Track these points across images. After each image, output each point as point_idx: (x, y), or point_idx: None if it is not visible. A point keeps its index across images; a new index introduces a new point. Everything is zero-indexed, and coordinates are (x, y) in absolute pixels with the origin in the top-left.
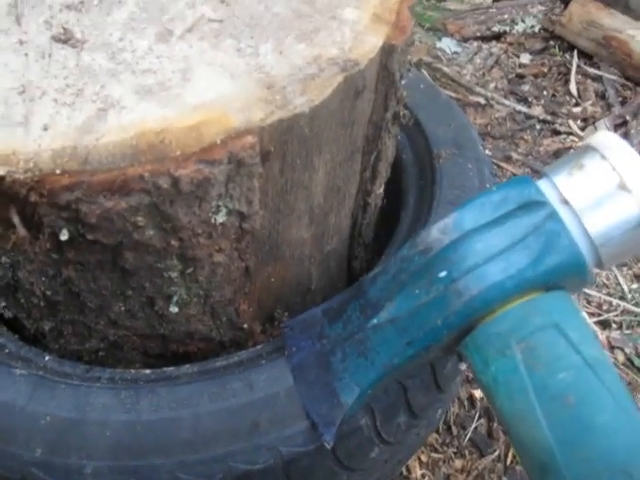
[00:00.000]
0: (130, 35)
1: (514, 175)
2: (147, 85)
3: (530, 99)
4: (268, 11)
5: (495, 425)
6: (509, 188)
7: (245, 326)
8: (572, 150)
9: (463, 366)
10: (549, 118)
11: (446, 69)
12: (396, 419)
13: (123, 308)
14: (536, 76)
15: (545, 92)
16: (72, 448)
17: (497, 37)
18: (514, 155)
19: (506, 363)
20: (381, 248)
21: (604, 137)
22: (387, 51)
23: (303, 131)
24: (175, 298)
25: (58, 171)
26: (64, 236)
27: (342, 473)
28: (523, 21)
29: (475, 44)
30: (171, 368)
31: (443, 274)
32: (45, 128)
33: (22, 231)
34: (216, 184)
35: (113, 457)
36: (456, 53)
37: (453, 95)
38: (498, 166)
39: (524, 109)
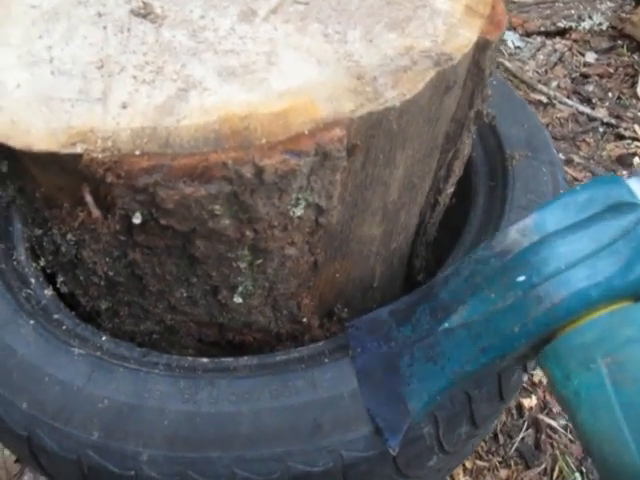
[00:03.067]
0: (212, 13)
1: (575, 179)
2: (230, 67)
3: (594, 100)
4: None
5: (543, 437)
6: (596, 188)
7: (304, 320)
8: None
9: (525, 377)
10: (613, 121)
11: (508, 64)
12: (458, 429)
13: (185, 294)
14: (601, 76)
15: (610, 94)
16: (129, 434)
17: (562, 33)
18: (575, 158)
19: (590, 377)
20: (438, 247)
21: None
22: (481, 47)
23: (391, 126)
24: (240, 289)
25: (137, 152)
26: (137, 219)
27: None
28: (590, 17)
29: (539, 39)
30: (229, 359)
31: (522, 278)
32: (124, 106)
33: (95, 212)
34: (299, 176)
35: (170, 447)
36: (519, 48)
37: None
38: None
39: (587, 110)
